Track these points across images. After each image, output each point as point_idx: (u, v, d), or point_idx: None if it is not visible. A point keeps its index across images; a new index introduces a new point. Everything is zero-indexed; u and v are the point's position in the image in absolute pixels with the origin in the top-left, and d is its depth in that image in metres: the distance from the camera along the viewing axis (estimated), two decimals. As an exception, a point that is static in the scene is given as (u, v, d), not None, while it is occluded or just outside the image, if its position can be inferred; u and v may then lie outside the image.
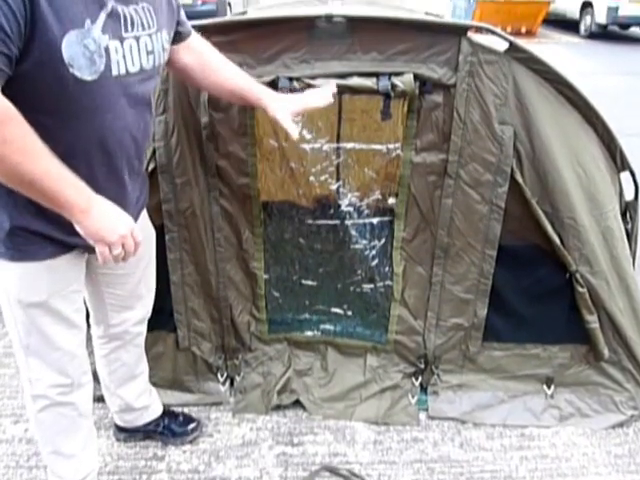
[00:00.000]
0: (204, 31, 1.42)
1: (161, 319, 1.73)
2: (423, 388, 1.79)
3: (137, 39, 1.02)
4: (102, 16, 0.94)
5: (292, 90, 1.42)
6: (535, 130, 1.45)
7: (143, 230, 1.34)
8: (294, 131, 1.30)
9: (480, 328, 1.68)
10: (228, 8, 11.48)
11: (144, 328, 1.50)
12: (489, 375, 1.76)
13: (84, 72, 0.93)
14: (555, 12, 11.12)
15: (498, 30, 1.42)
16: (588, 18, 10.37)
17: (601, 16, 9.94)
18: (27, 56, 0.87)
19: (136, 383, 1.55)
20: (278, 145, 1.55)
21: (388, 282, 1.69)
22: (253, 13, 1.82)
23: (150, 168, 1.54)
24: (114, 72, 0.98)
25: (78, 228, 0.98)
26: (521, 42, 1.42)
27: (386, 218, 1.61)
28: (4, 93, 0.86)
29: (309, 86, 1.42)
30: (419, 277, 1.66)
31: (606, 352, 1.67)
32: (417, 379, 1.77)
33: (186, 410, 1.76)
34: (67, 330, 1.19)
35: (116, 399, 1.56)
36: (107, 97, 0.99)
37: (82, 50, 0.91)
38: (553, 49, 9.07)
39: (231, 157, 1.54)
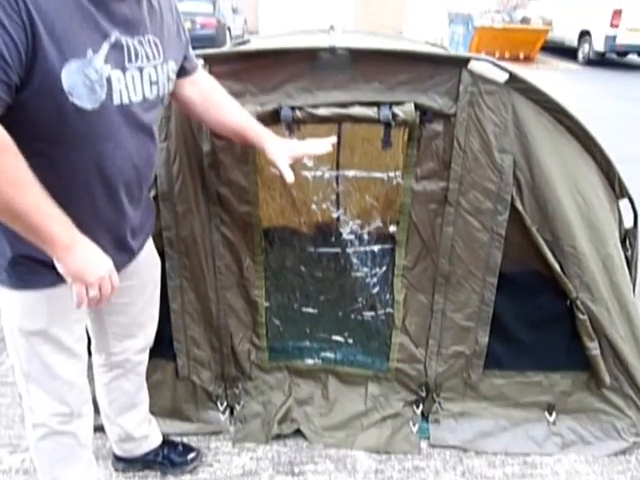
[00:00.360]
0: (208, 60, 1.44)
1: (160, 347, 1.70)
2: (424, 416, 1.77)
3: (140, 70, 1.03)
4: (105, 46, 0.95)
5: (294, 118, 1.44)
6: (535, 159, 1.46)
7: (149, 257, 1.34)
8: (290, 176, 1.30)
9: (481, 356, 1.67)
10: (227, 33, 11.79)
11: (146, 357, 1.48)
12: (491, 403, 1.74)
13: (84, 101, 0.93)
14: (553, 40, 11.39)
15: (497, 61, 1.44)
16: (586, 46, 10.65)
17: (599, 44, 10.20)
18: (27, 84, 0.87)
19: (136, 412, 1.53)
20: (280, 173, 1.55)
21: (389, 310, 1.68)
22: (256, 43, 1.84)
23: (151, 195, 1.55)
24: (115, 101, 0.98)
25: (58, 265, 0.98)
26: (520, 70, 1.44)
27: (387, 246, 1.61)
28: (2, 122, 0.86)
29: (311, 115, 1.44)
30: (420, 305, 1.66)
31: (607, 379, 1.67)
32: (418, 407, 1.76)
33: (185, 440, 1.73)
34: (67, 359, 1.18)
35: (115, 428, 1.54)
36: (108, 126, 0.99)
37: (82, 79, 0.92)
38: (551, 75, 9.28)
39: (232, 185, 1.55)
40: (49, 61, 0.87)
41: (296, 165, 1.56)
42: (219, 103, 1.32)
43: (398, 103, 1.42)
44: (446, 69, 1.42)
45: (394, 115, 1.41)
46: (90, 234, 1.02)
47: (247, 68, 1.44)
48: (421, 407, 1.75)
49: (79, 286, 0.99)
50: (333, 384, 1.78)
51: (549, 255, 1.53)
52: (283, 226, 1.59)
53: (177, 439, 1.71)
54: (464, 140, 1.45)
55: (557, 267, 1.54)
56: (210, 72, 1.44)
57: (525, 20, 10.86)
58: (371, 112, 1.43)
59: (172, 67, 1.14)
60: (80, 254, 0.97)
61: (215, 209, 1.57)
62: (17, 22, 0.83)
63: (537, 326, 1.65)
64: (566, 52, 11.45)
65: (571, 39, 11.14)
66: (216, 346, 1.71)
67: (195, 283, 1.64)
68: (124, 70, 0.99)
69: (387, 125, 1.44)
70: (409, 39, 2.13)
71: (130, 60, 1.00)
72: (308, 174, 1.54)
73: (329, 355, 1.76)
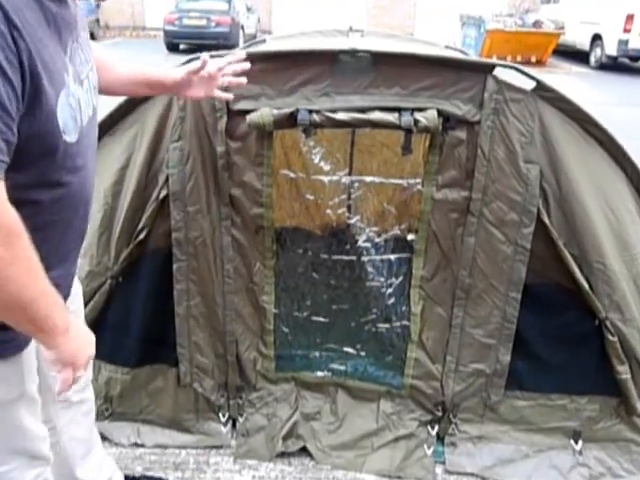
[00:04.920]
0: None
1: (163, 352, 1.92)
2: (440, 438, 1.95)
3: (88, 77, 1.07)
4: (67, 61, 0.96)
5: (312, 122, 1.69)
6: (562, 170, 1.65)
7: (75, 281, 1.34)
8: (228, 95, 1.48)
9: (502, 375, 1.85)
10: (241, 31, 13.42)
11: (88, 394, 1.50)
12: (511, 426, 1.91)
13: (71, 134, 0.98)
14: (565, 43, 12.69)
15: (525, 69, 1.71)
16: (598, 50, 11.92)
17: (611, 48, 11.44)
18: (25, 133, 0.88)
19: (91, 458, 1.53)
20: (295, 176, 1.83)
21: (405, 322, 1.87)
22: (272, 43, 2.12)
23: (162, 195, 1.78)
24: (84, 123, 1.04)
25: (49, 353, 1.00)
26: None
27: (405, 255, 1.86)
28: None
29: (329, 119, 1.71)
30: (438, 318, 1.84)
31: (639, 406, 1.82)
32: (434, 428, 1.94)
33: (184, 453, 1.99)
34: (37, 421, 1.22)
35: None
36: (82, 153, 1.05)
37: (69, 111, 0.95)
38: (563, 79, 10.10)
39: (246, 187, 1.76)
40: (49, 102, 0.89)
41: (312, 169, 1.86)
42: (106, 62, 1.37)
43: (420, 109, 1.61)
44: (470, 75, 1.62)
45: (416, 121, 1.60)
46: (66, 269, 1.13)
47: (264, 70, 1.64)
48: (436, 428, 1.93)
49: (69, 372, 1.03)
50: (343, 399, 1.97)
51: (577, 271, 1.70)
52: (296, 230, 1.87)
53: (138, 474, 1.84)
54: (488, 149, 1.65)
55: (585, 284, 1.71)
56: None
57: (537, 24, 12.10)
58: (392, 118, 1.62)
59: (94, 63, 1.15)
60: (74, 335, 1.02)
61: (226, 211, 1.78)
62: (16, 66, 0.83)
63: (563, 345, 1.82)
64: (578, 56, 12.67)
65: (583, 43, 12.45)
66: (220, 353, 1.91)
67: (202, 286, 1.84)
68: (82, 84, 1.02)
69: (408, 131, 1.63)
70: (428, 42, 2.40)
71: (82, 70, 1.03)
72: (324, 178, 1.81)
73: (339, 367, 1.95)
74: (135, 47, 13.72)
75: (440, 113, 1.65)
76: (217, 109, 1.70)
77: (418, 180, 1.78)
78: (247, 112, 1.68)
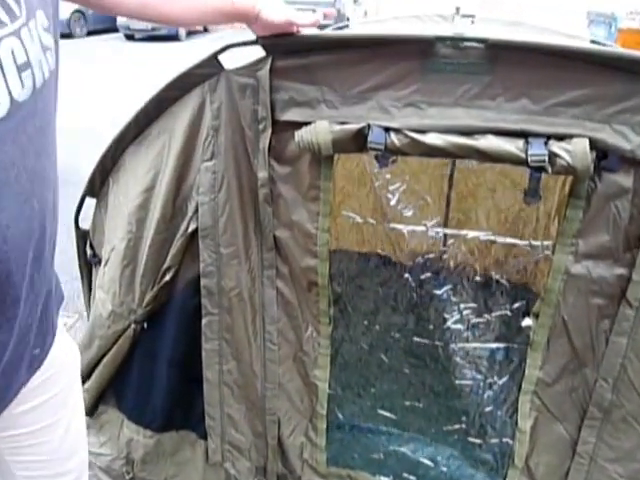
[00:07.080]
0: (269, 51, 1.20)
1: (191, 418, 1.59)
2: None
3: (24, 20, 0.69)
4: None
5: (389, 146, 1.15)
6: None
7: (61, 344, 0.99)
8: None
9: None
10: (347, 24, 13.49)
11: None
12: None
13: None
14: None
15: None
16: None
17: None
18: None
19: None
20: (361, 221, 1.28)
21: (507, 439, 1.36)
22: (356, 29, 1.54)
23: (191, 229, 1.39)
24: (9, 105, 0.67)
25: None
26: None
27: (515, 346, 1.27)
28: None
29: (415, 143, 1.13)
30: (557, 439, 1.30)
31: None
32: None
33: None
34: None
35: None
36: (6, 163, 0.68)
37: None
38: None
39: (295, 228, 1.32)
40: None
41: (387, 213, 1.29)
42: None
43: (560, 136, 1.06)
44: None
45: (552, 156, 1.04)
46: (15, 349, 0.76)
47: (326, 64, 1.16)
48: None
49: None
50: (412, 516, 1.53)
51: None
52: (359, 294, 1.34)
53: None
54: None
55: None
56: (272, 68, 1.21)
57: None
58: (513, 147, 1.06)
59: (42, 23, 0.75)
60: None
61: (270, 257, 1.36)
62: None
63: None
64: None
65: None
66: (259, 432, 1.54)
67: (237, 350, 1.46)
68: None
69: (537, 170, 1.08)
70: (566, 34, 1.62)
71: (5, 6, 0.68)
72: (404, 228, 1.24)
73: (410, 477, 1.49)
74: (243, 39, 14.93)
75: (593, 144, 1.05)
76: (260, 118, 1.25)
77: (547, 243, 1.17)
78: (300, 125, 1.21)
